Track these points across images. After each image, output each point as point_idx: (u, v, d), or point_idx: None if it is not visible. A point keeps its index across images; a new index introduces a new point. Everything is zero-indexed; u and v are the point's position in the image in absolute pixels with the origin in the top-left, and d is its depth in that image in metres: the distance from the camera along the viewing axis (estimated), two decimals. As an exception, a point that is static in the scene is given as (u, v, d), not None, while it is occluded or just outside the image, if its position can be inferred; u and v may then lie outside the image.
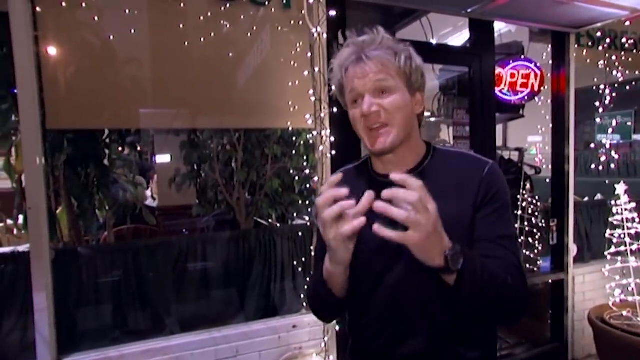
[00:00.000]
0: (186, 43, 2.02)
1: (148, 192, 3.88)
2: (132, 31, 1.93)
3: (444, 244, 0.78)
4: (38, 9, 1.77)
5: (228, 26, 2.08)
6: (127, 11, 1.93)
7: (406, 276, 0.94)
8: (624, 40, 3.21)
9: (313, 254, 2.12)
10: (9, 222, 2.32)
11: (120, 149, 2.42)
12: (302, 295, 2.33)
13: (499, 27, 3.21)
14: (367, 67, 0.89)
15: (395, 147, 0.94)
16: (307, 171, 2.42)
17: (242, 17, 2.10)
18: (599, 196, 3.63)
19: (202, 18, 2.03)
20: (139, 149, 2.71)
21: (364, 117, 0.92)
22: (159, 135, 3.39)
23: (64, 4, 1.81)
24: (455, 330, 0.95)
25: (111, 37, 1.91)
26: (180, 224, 3.13)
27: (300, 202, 2.61)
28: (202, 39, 2.04)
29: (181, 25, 2.01)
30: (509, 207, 0.97)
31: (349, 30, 0.98)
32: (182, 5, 2.00)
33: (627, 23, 3.00)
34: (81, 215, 2.18)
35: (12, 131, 2.05)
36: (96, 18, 1.88)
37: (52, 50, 1.83)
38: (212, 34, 2.05)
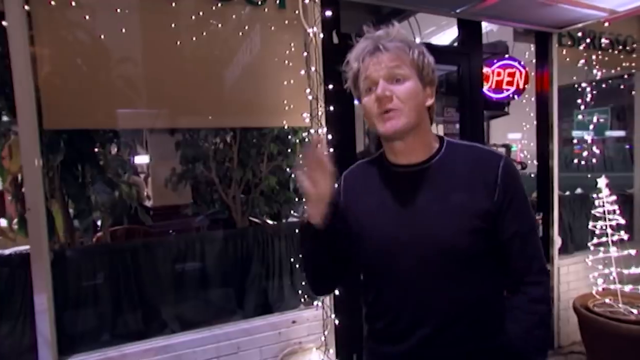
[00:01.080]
0: (178, 42, 2.01)
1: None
2: (124, 30, 1.92)
3: None
4: (26, 7, 1.75)
5: (222, 26, 2.09)
6: (119, 10, 1.92)
7: (419, 264, 0.98)
8: (603, 40, 3.34)
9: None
10: (4, 224, 2.27)
11: (114, 149, 2.40)
12: (300, 291, 2.37)
13: (483, 26, 3.30)
14: (383, 57, 0.94)
15: (406, 132, 0.97)
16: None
17: (237, 16, 2.12)
18: (579, 190, 3.77)
19: (193, 17, 2.03)
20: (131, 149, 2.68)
21: (377, 100, 0.95)
22: (153, 135, 3.36)
23: (52, 3, 1.79)
24: (468, 319, 0.99)
25: (102, 37, 1.89)
26: (175, 223, 3.12)
27: (296, 199, 2.64)
28: (195, 39, 2.04)
29: (173, 25, 2.01)
30: (526, 197, 1.02)
31: (366, 26, 1.02)
32: (173, 4, 2.00)
33: (606, 24, 3.12)
34: (77, 215, 2.16)
35: (6, 132, 2.01)
36: (87, 17, 1.87)
37: (47, 50, 1.81)
38: (206, 34, 2.06)
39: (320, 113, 2.20)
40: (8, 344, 1.83)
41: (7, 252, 1.92)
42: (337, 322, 2.23)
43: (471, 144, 1.07)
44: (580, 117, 3.85)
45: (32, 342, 1.77)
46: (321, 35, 2.18)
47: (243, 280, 2.33)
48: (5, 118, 2.13)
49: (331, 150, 2.18)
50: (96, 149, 2.29)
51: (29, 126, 1.75)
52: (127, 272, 2.07)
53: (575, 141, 3.81)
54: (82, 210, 2.12)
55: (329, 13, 2.19)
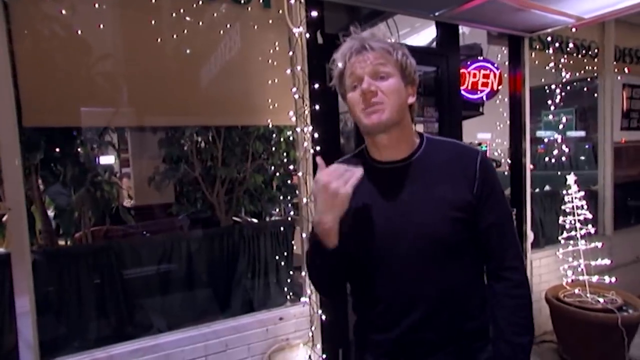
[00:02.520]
0: (159, 39, 2.00)
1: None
2: (102, 26, 1.89)
3: None
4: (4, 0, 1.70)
5: (202, 23, 2.08)
6: (96, 5, 1.88)
7: (407, 255, 1.03)
8: (570, 44, 3.52)
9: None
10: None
11: (95, 146, 2.35)
12: (286, 289, 2.39)
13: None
14: (368, 55, 0.99)
15: (389, 126, 1.01)
16: (291, 167, 2.46)
17: (220, 14, 2.11)
18: (547, 187, 3.96)
19: (174, 15, 2.02)
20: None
21: (362, 95, 0.99)
22: (135, 133, 3.29)
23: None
24: (454, 303, 1.06)
25: (79, 32, 1.85)
26: (158, 222, 3.06)
27: (281, 197, 2.66)
28: (177, 36, 2.03)
29: (154, 22, 1.99)
30: (501, 187, 1.10)
31: (353, 27, 1.06)
32: (153, 1, 1.98)
33: (573, 30, 3.29)
34: (57, 215, 2.10)
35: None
36: (63, 11, 1.83)
37: (26, 45, 1.76)
38: (188, 31, 2.05)
39: (305, 112, 2.23)
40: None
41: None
42: (323, 317, 2.26)
43: (448, 139, 1.15)
44: (550, 117, 4.04)
45: (14, 345, 1.72)
46: (307, 35, 2.21)
47: (229, 278, 2.33)
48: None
49: (317, 148, 2.23)
50: (78, 148, 2.25)
51: (8, 124, 1.70)
52: (111, 273, 2.04)
53: (545, 140, 3.99)
54: (62, 210, 2.06)
55: (314, 13, 2.22)
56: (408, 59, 1.04)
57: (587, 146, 4.80)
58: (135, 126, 2.44)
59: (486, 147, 5.91)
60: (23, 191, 1.75)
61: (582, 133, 4.89)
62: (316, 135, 2.22)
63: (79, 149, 2.23)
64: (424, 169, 1.06)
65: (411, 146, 1.08)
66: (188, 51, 2.06)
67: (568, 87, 4.00)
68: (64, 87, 1.84)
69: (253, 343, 2.17)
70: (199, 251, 2.26)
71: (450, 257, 1.04)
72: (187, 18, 2.03)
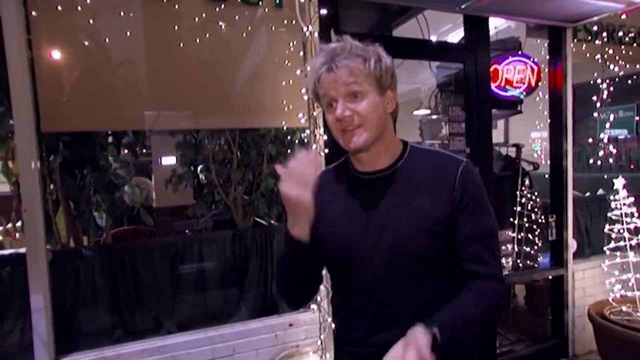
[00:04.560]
0: (181, 44, 2.03)
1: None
2: (128, 33, 1.95)
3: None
4: (33, 12, 1.79)
5: (222, 27, 2.09)
6: (122, 13, 1.94)
7: (383, 270, 0.97)
8: (621, 33, 3.18)
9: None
10: (9, 225, 2.34)
11: (118, 151, 2.43)
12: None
13: (497, 23, 3.19)
14: (339, 73, 0.93)
15: (369, 145, 0.98)
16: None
17: (236, 17, 2.11)
18: (600, 191, 3.60)
19: (197, 19, 2.04)
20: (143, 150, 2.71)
21: (338, 120, 0.96)
22: (155, 137, 3.41)
23: (59, 8, 1.83)
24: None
25: (106, 40, 1.92)
26: (177, 224, 3.15)
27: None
28: (197, 40, 2.05)
29: (176, 27, 2.03)
30: (486, 201, 1.00)
31: (336, 35, 1.05)
32: (176, 6, 2.01)
33: (624, 16, 2.97)
34: (78, 217, 2.19)
35: (10, 134, 2.06)
36: (91, 21, 1.90)
37: (47, 54, 1.85)
38: (207, 35, 2.07)
39: (316, 113, 2.17)
40: (6, 344, 1.86)
41: (7, 252, 1.96)
42: (333, 325, 2.18)
43: (436, 150, 1.08)
44: (596, 114, 3.68)
45: (29, 341, 1.81)
46: (317, 34, 2.15)
47: (241, 281, 2.32)
48: (11, 121, 2.20)
49: (327, 151, 2.16)
50: (100, 151, 2.34)
51: (26, 128, 1.78)
52: (125, 273, 2.09)
53: (590, 140, 3.64)
54: (82, 211, 2.15)
55: (324, 11, 2.15)
56: (382, 65, 0.97)
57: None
58: (152, 130, 2.49)
59: (540, 147, 5.53)
60: (39, 193, 1.83)
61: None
62: (327, 137, 2.15)
63: (100, 152, 2.30)
64: (405, 179, 1.01)
65: (393, 156, 1.04)
66: (207, 55, 2.07)
67: (629, 81, 3.62)
68: (84, 92, 1.91)
69: (261, 348, 2.14)
70: (210, 253, 2.26)
71: (428, 274, 0.97)
72: (207, 22, 2.05)
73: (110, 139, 2.46)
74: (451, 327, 0.87)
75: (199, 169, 2.71)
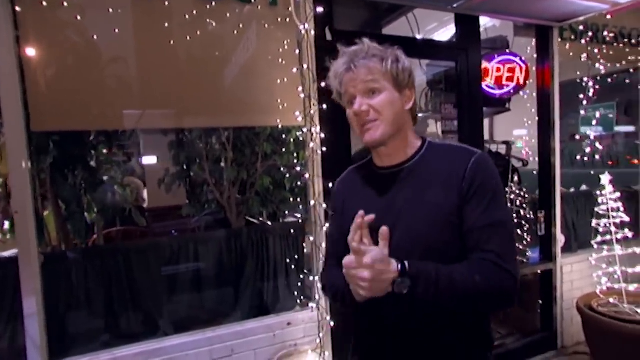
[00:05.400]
0: (171, 42, 2.00)
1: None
2: (116, 30, 1.90)
3: (390, 277, 0.89)
4: (18, 8, 1.73)
5: (214, 24, 2.06)
6: (111, 10, 1.90)
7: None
8: (605, 33, 3.26)
9: (324, 244, 1.99)
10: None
11: (106, 150, 2.38)
12: (296, 293, 2.34)
13: (484, 22, 3.23)
14: (358, 72, 1.01)
15: (386, 139, 1.03)
16: (298, 168, 2.41)
17: (229, 14, 2.08)
18: (584, 187, 3.69)
19: (187, 16, 2.01)
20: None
21: (356, 115, 1.03)
22: (147, 135, 3.35)
23: (44, 3, 1.78)
24: (444, 316, 1.00)
25: (95, 37, 1.87)
26: (170, 224, 3.10)
27: (291, 199, 2.60)
28: (189, 38, 2.02)
29: (166, 24, 1.99)
30: (499, 194, 1.01)
31: (341, 45, 1.07)
32: (166, 3, 1.98)
33: (608, 16, 3.05)
34: (69, 218, 2.14)
35: (-4, 133, 2.00)
36: (79, 17, 1.85)
37: (34, 51, 1.79)
38: (199, 33, 2.04)
39: (313, 111, 2.16)
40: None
41: (-3, 255, 1.90)
42: (332, 324, 2.19)
43: (452, 144, 1.14)
44: (582, 112, 3.78)
45: (22, 346, 1.76)
46: (313, 32, 2.14)
47: (237, 281, 2.30)
48: (0, 120, 2.12)
49: (324, 149, 2.16)
50: (91, 151, 2.28)
51: (16, 127, 1.73)
52: (119, 274, 2.05)
53: (577, 137, 3.72)
54: (73, 212, 2.09)
55: (320, 9, 2.14)
56: (400, 65, 1.04)
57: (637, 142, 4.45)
58: (145, 128, 2.44)
59: (522, 144, 5.62)
60: (30, 194, 1.77)
61: (631, 128, 4.53)
62: (324, 135, 2.15)
63: (91, 151, 2.25)
64: (419, 173, 1.05)
65: (411, 150, 1.09)
66: (199, 53, 2.04)
67: (609, 80, 3.71)
68: (74, 91, 1.86)
69: (260, 348, 2.13)
70: (205, 253, 2.23)
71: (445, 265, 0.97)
72: (198, 19, 2.02)
73: (101, 138, 2.39)
74: (425, 274, 0.89)
75: (192, 168, 2.67)
